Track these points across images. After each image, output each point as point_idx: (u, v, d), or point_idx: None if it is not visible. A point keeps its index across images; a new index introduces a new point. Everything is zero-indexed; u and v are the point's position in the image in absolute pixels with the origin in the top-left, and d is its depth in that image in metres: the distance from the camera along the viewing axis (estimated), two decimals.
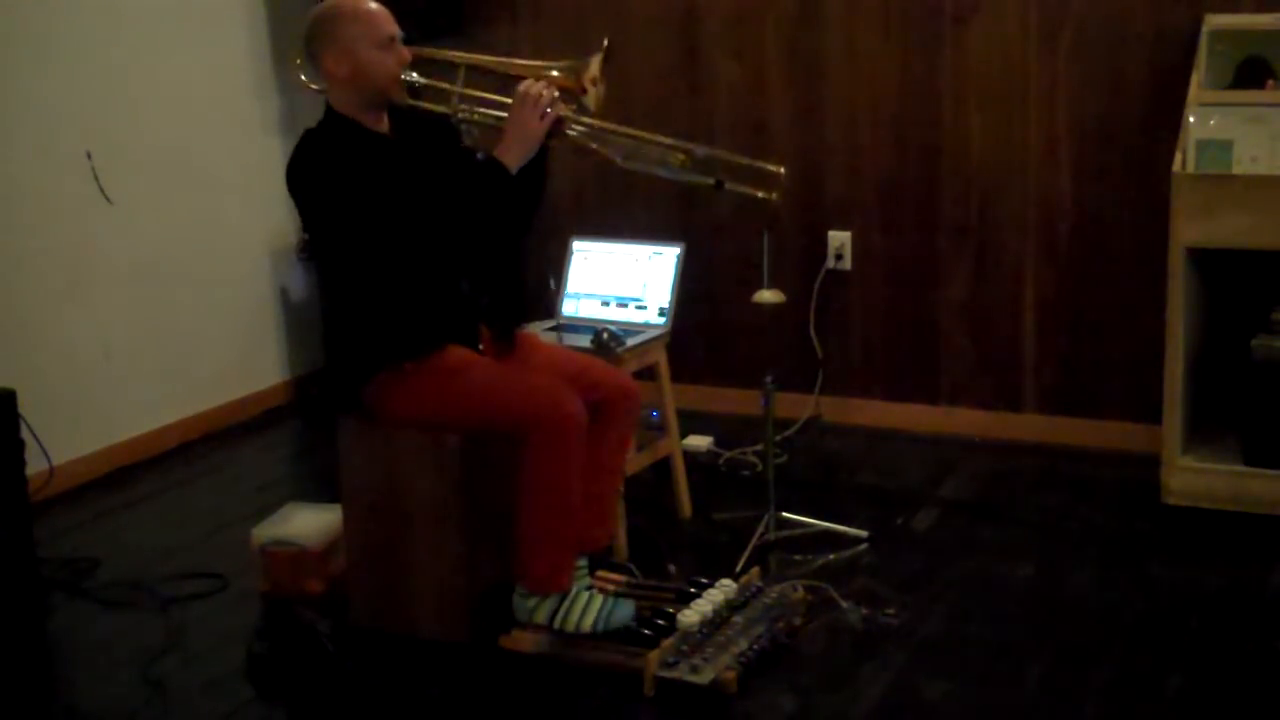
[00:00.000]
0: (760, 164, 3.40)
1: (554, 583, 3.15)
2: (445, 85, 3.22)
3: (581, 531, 3.21)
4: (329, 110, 3.22)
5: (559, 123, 3.16)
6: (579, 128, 3.22)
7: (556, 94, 3.15)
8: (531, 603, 3.15)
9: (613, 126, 3.27)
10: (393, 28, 3.19)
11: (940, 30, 4.49)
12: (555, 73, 3.22)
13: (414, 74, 3.20)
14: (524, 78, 3.19)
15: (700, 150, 3.33)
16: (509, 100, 3.16)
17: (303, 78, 3.35)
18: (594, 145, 3.26)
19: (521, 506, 3.13)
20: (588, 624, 3.12)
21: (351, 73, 3.15)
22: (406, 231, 3.06)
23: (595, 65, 3.21)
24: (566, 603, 3.14)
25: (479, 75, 3.29)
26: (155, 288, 4.69)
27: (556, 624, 3.14)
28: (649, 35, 4.86)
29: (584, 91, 3.20)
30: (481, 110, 3.23)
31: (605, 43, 3.23)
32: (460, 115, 3.24)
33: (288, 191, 3.20)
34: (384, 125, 3.24)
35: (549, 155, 3.24)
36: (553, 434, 3.06)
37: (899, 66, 4.56)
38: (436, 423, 3.19)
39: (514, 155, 3.11)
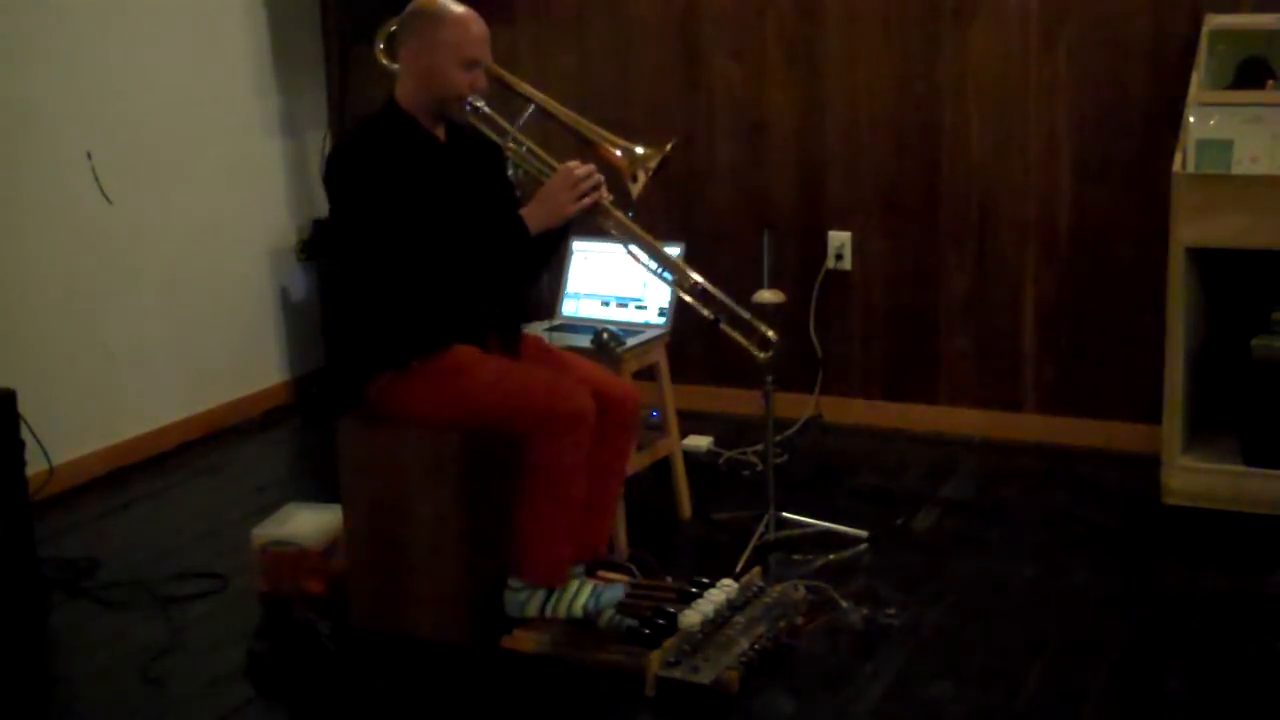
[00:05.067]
0: (760, 325, 3.40)
1: (553, 575, 3.16)
2: (505, 124, 3.26)
3: (580, 539, 3.22)
4: (390, 102, 3.25)
5: (594, 206, 3.21)
6: (610, 217, 3.26)
7: (601, 180, 3.20)
8: (523, 595, 3.17)
9: (641, 233, 3.31)
10: (482, 52, 3.21)
11: (940, 30, 4.49)
12: (619, 151, 3.28)
13: (481, 103, 3.23)
14: (585, 138, 3.28)
15: (708, 286, 3.35)
16: (556, 166, 3.21)
17: (379, 53, 3.41)
18: (615, 233, 3.29)
19: (524, 499, 3.14)
20: (579, 606, 3.14)
21: (423, 75, 3.18)
22: (431, 236, 3.10)
23: (655, 160, 3.28)
24: (556, 592, 3.15)
25: (545, 116, 3.35)
26: (155, 288, 4.69)
27: (548, 612, 3.15)
28: (649, 35, 4.86)
29: (634, 179, 3.27)
30: (530, 159, 3.28)
31: (670, 146, 3.30)
32: (509, 153, 3.29)
33: (323, 174, 3.22)
34: (440, 130, 3.27)
35: (572, 225, 3.27)
36: (563, 427, 3.07)
37: (899, 66, 4.56)
38: (443, 420, 3.19)
39: (537, 222, 3.17)
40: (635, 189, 3.27)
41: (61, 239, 4.36)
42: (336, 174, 3.20)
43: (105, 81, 4.46)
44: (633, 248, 3.32)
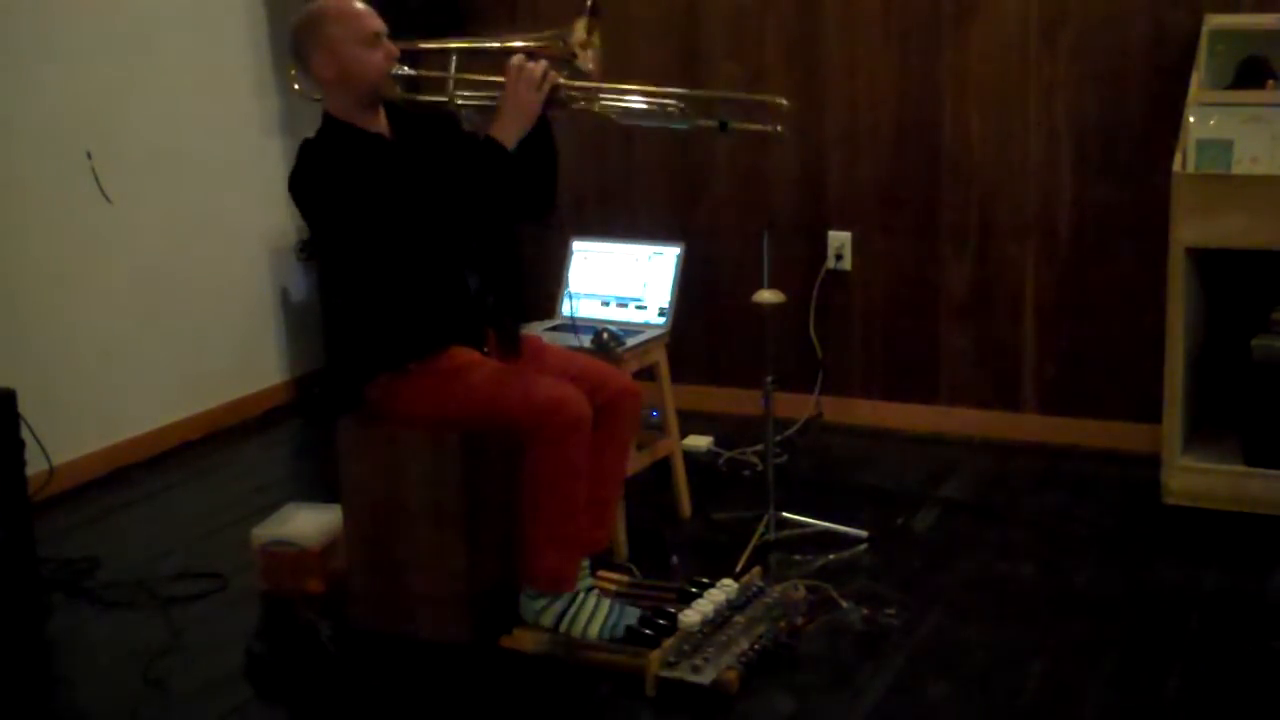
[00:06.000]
0: (761, 96, 3.36)
1: (561, 583, 3.15)
2: (438, 74, 3.22)
3: (582, 533, 3.22)
4: (326, 116, 3.21)
5: (555, 91, 3.15)
6: (574, 92, 3.20)
7: (548, 65, 3.13)
8: (539, 604, 3.15)
9: (604, 85, 3.24)
10: (376, 23, 3.18)
11: (940, 30, 4.49)
12: (541, 43, 3.21)
13: (405, 67, 3.20)
14: (512, 52, 3.18)
15: (698, 93, 3.28)
16: (503, 80, 3.15)
17: (296, 87, 3.36)
18: (591, 108, 3.23)
19: (528, 508, 3.13)
20: (594, 631, 3.12)
21: (340, 74, 3.14)
22: (411, 231, 3.06)
23: (580, 28, 3.19)
24: (574, 607, 3.14)
25: (470, 59, 3.28)
26: (155, 287, 4.69)
27: (563, 627, 3.14)
28: (649, 35, 4.86)
29: (574, 56, 3.19)
30: (478, 94, 3.23)
31: (589, 2, 3.21)
32: (458, 101, 3.24)
33: (291, 200, 3.19)
34: (381, 124, 3.23)
35: (550, 125, 3.23)
36: (559, 434, 3.06)
37: (899, 66, 4.56)
38: (440, 422, 3.19)
39: (511, 132, 3.10)
40: (586, 63, 3.19)
41: (61, 239, 4.36)
42: (299, 195, 3.15)
43: (105, 81, 4.47)
44: (614, 111, 3.23)
